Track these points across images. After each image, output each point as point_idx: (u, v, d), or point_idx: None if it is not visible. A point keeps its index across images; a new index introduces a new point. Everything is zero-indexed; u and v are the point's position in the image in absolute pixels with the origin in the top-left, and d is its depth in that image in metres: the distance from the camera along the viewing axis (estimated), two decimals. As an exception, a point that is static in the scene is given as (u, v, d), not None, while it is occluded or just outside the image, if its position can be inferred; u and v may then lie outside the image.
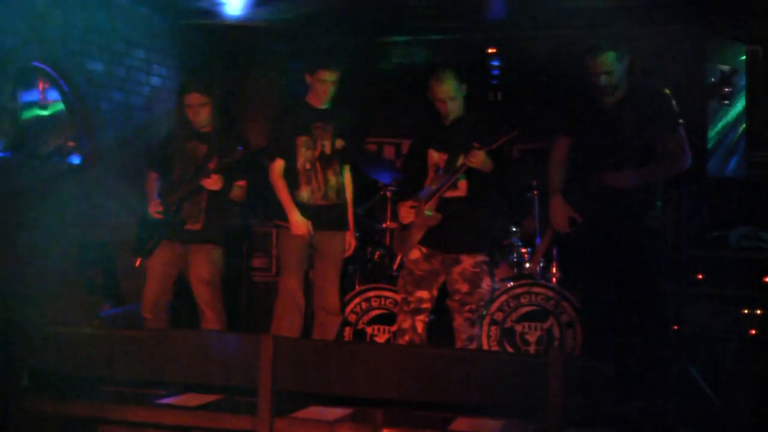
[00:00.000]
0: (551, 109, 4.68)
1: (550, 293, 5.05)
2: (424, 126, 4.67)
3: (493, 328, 5.08)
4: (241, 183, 4.76)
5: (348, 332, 5.30)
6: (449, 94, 4.29)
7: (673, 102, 4.05)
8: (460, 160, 4.22)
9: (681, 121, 4.07)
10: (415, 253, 4.41)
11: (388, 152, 7.21)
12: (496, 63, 6.66)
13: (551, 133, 4.47)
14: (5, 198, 4.74)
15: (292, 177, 4.63)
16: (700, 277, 4.53)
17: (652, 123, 3.99)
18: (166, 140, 4.91)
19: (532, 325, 5.06)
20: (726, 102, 5.16)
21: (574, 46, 4.23)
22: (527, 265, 5.44)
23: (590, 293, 4.36)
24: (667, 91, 4.06)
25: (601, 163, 4.09)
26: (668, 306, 4.57)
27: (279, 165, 4.63)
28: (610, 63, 4.01)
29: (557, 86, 5.41)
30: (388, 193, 5.79)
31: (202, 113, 4.68)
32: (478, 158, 4.13)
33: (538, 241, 5.54)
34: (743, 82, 5.28)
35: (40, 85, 5.16)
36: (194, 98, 4.66)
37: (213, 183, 4.54)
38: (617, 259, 4.11)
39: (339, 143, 4.68)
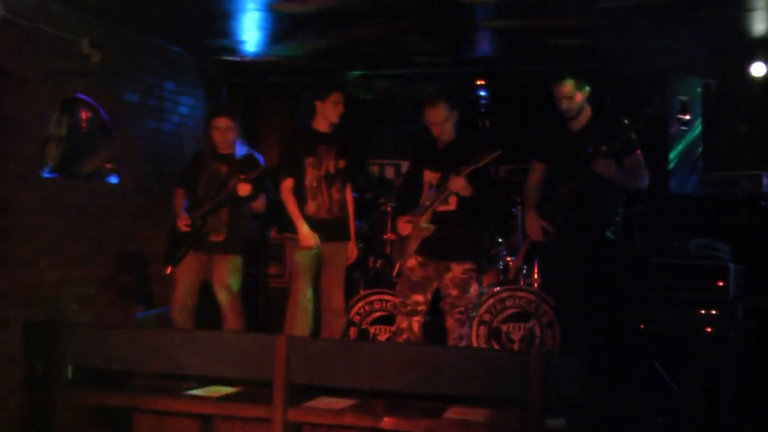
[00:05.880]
0: (529, 137, 4.78)
1: (531, 297, 5.06)
2: (420, 149, 4.72)
3: (482, 327, 5.10)
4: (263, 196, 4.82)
5: (353, 332, 5.28)
6: (441, 117, 4.29)
7: (631, 130, 4.12)
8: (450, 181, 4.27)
9: (637, 148, 4.16)
10: (412, 261, 4.40)
11: (389, 172, 7.26)
12: (483, 93, 6.72)
13: (530, 158, 4.58)
14: (54, 213, 4.78)
15: (300, 193, 4.62)
16: (664, 281, 4.59)
17: (612, 147, 4.07)
18: (193, 161, 4.94)
19: (516, 325, 5.07)
20: (685, 128, 5.24)
21: (548, 79, 4.32)
22: (511, 266, 5.47)
23: (563, 296, 4.43)
24: (626, 120, 4.15)
25: (568, 179, 4.18)
26: (631, 308, 4.62)
27: (289, 183, 4.63)
28: (570, 89, 4.16)
29: (534, 115, 5.47)
30: (388, 208, 5.82)
31: (228, 136, 4.73)
32: (458, 184, 4.15)
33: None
34: (699, 110, 5.36)
35: (83, 114, 5.21)
36: (223, 121, 4.72)
37: (244, 189, 4.56)
38: (583, 266, 4.18)
39: (341, 163, 4.68)
